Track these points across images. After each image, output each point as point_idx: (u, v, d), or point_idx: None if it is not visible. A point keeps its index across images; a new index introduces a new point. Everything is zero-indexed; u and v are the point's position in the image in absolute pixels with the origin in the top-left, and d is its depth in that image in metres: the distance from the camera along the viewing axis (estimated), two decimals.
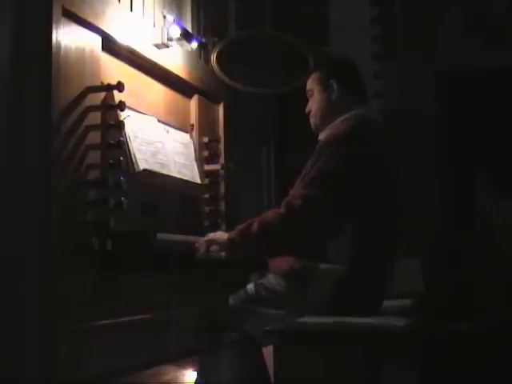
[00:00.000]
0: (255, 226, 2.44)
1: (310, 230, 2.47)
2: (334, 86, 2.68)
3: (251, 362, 2.50)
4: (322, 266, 2.50)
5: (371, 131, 2.64)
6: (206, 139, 3.33)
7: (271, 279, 2.61)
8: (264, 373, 2.52)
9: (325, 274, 2.48)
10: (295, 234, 2.47)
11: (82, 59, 2.42)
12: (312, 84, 2.76)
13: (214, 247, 2.57)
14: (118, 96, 2.56)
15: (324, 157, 2.49)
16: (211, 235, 2.61)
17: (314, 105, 2.74)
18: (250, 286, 2.64)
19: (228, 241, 2.51)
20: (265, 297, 2.58)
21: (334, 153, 2.48)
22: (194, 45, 3.14)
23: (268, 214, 2.49)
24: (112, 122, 2.54)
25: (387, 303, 2.60)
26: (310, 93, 2.77)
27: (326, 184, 2.46)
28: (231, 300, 2.64)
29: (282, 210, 2.44)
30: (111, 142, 2.51)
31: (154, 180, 2.79)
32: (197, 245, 2.59)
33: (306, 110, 2.78)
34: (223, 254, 2.58)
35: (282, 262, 2.59)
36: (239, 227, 2.51)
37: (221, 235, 2.59)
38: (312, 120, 2.76)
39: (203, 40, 3.29)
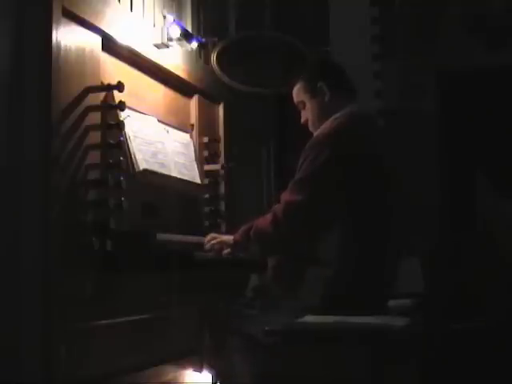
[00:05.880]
0: (252, 232, 2.54)
1: (296, 236, 2.51)
2: (324, 87, 2.66)
3: (255, 363, 2.49)
4: (311, 266, 2.50)
5: (362, 128, 2.61)
6: (205, 139, 3.33)
7: (268, 282, 2.64)
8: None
9: (313, 273, 2.49)
10: (284, 240, 2.52)
11: (81, 59, 2.42)
12: (299, 95, 2.73)
13: (226, 251, 2.61)
14: (117, 96, 2.56)
15: (309, 158, 2.48)
16: (220, 237, 2.66)
17: (308, 114, 2.72)
18: (252, 289, 2.67)
19: (234, 241, 2.57)
20: (263, 299, 2.60)
21: (318, 154, 2.47)
22: (194, 45, 3.14)
23: (261, 219, 2.54)
24: (112, 122, 2.54)
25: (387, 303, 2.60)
26: (301, 105, 2.74)
27: (310, 187, 2.45)
28: (235, 303, 2.67)
29: (270, 217, 2.47)
30: (111, 142, 2.51)
31: (154, 180, 2.79)
32: (207, 246, 2.63)
33: (302, 120, 2.75)
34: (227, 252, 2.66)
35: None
36: (243, 228, 2.58)
37: (228, 238, 2.64)
38: (311, 128, 2.74)
39: (203, 40, 3.29)
